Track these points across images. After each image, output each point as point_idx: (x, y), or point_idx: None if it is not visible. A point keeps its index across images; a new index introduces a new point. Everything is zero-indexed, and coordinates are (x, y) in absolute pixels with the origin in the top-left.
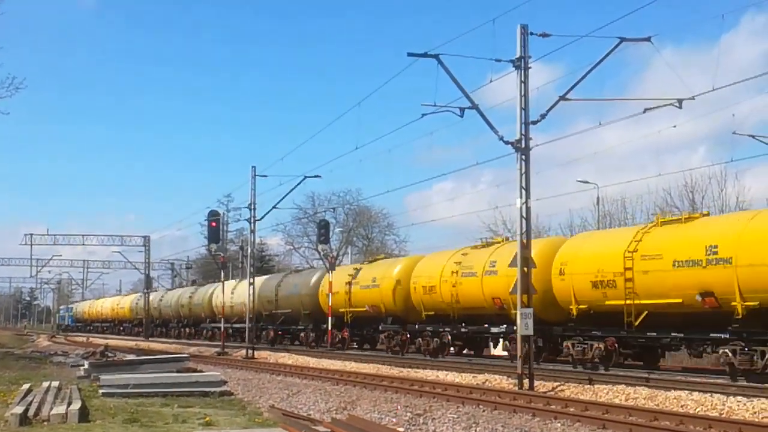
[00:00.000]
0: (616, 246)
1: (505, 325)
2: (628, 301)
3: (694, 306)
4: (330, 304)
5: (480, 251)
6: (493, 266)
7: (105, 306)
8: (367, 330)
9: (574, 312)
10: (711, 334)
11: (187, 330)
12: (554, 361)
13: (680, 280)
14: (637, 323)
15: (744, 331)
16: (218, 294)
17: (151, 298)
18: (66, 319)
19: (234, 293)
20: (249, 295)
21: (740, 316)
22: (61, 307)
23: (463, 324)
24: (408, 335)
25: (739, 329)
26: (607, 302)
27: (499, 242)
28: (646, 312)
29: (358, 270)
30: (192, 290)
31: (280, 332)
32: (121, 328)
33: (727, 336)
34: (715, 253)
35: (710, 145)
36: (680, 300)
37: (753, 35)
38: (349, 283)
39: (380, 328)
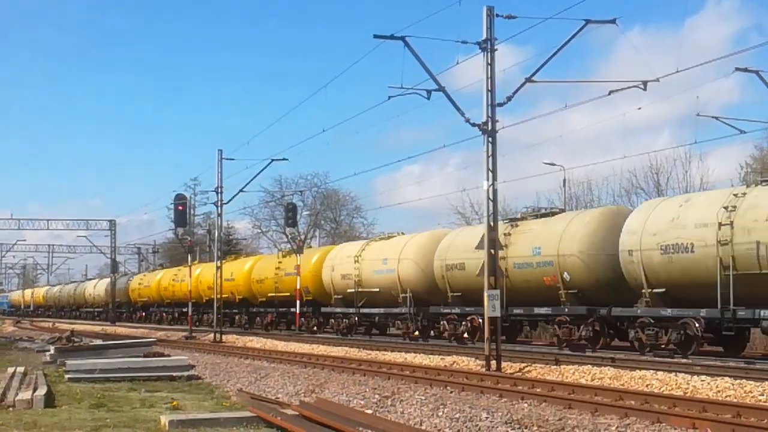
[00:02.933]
0: None
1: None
2: None
3: None
4: (298, 287)
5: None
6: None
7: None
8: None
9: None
10: None
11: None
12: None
13: None
14: None
15: None
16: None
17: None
18: (3, 305)
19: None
20: (216, 278)
21: None
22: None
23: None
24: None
25: None
26: None
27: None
28: None
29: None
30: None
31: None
32: (50, 313)
33: None
34: None
35: (675, 127)
36: None
37: (719, 18)
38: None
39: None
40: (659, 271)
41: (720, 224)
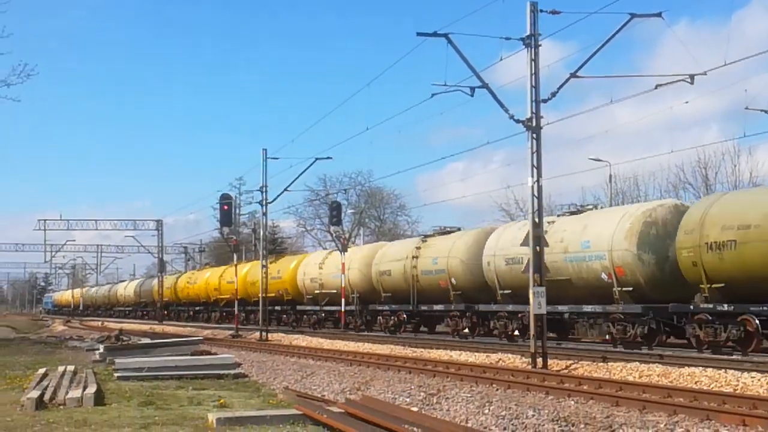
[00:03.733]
0: None
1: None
2: None
3: None
4: (343, 285)
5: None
6: None
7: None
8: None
9: None
10: None
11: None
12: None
13: None
14: None
15: None
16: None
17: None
18: (48, 305)
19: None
20: (261, 277)
21: None
22: (46, 295)
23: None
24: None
25: None
26: None
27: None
28: None
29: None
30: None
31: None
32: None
33: None
34: None
35: (723, 121)
36: None
37: (766, 11)
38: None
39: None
40: (505, 277)
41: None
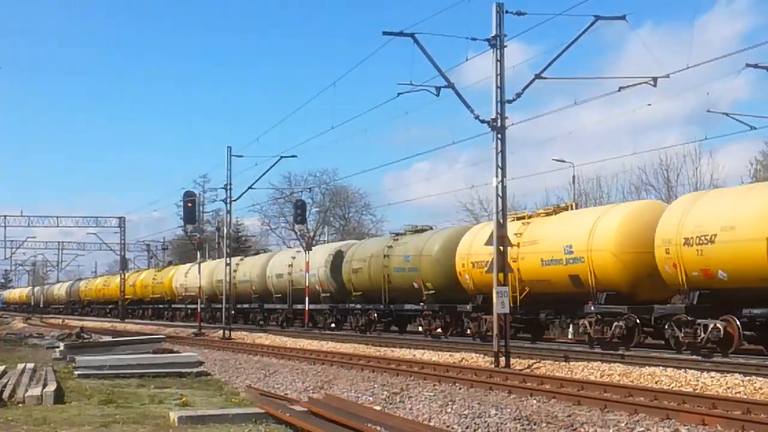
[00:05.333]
0: None
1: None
2: None
3: None
4: (307, 284)
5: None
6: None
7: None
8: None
9: None
10: None
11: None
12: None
13: None
14: None
15: None
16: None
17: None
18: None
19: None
20: (226, 275)
21: None
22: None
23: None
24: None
25: None
26: None
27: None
28: None
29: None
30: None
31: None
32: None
33: None
34: None
35: (685, 124)
36: None
37: (730, 16)
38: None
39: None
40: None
41: None
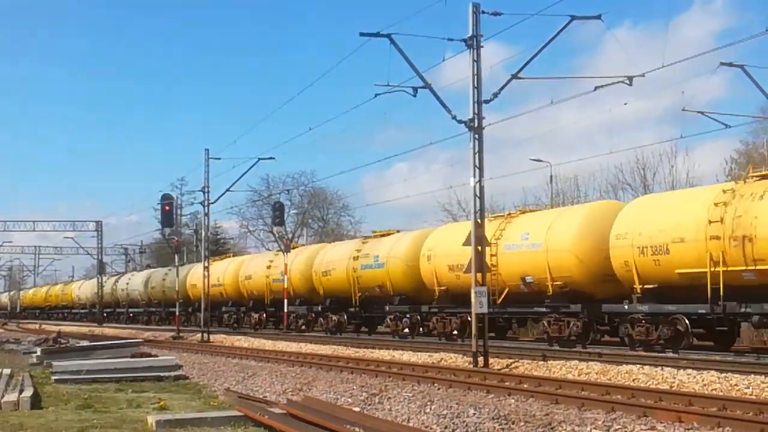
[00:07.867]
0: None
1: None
2: None
3: None
4: (285, 286)
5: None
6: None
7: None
8: None
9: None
10: None
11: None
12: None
13: None
14: None
15: None
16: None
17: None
18: None
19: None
20: (204, 278)
21: None
22: None
23: None
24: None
25: None
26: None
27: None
28: None
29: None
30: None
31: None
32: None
33: None
34: None
35: (661, 123)
36: None
37: (705, 16)
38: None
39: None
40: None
41: None
